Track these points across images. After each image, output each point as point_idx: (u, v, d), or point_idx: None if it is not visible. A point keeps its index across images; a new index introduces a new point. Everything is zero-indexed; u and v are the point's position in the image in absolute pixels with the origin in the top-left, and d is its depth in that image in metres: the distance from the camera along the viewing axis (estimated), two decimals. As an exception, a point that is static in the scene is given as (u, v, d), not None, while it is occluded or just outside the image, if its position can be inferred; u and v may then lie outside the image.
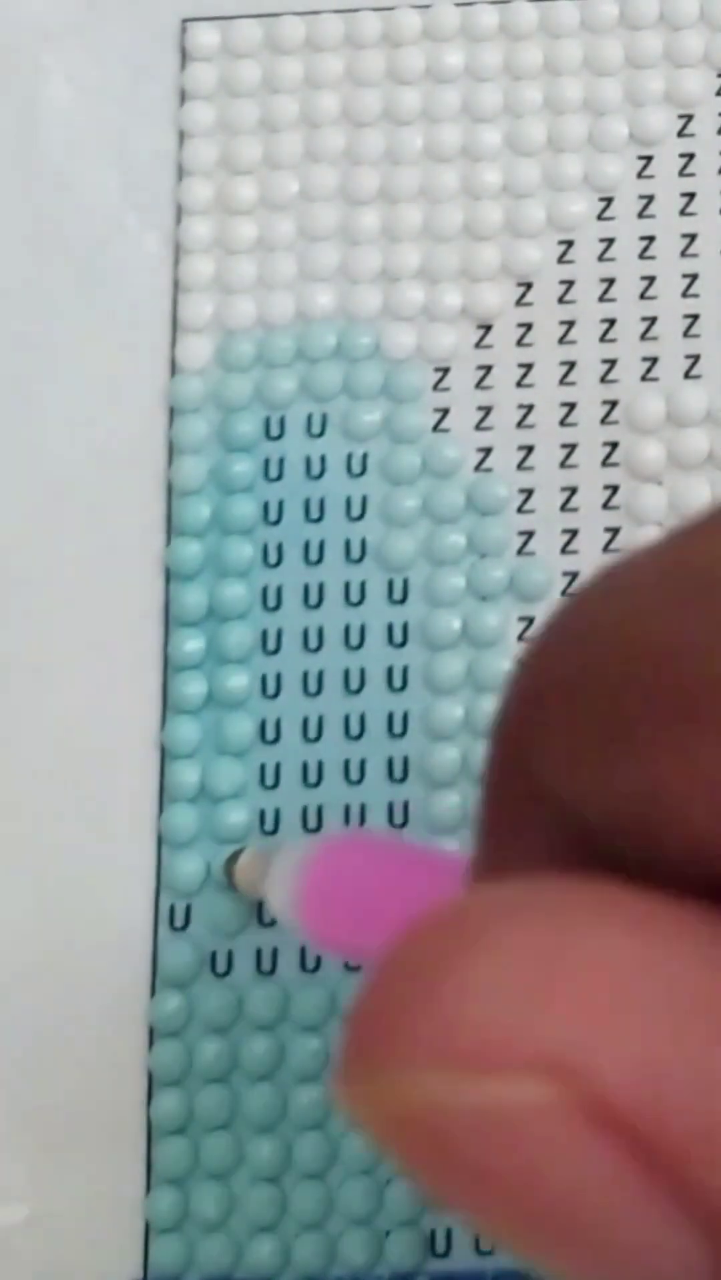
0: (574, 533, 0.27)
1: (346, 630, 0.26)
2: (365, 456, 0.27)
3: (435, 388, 0.28)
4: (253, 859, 0.24)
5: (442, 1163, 0.09)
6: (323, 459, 0.27)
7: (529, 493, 0.27)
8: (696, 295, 0.28)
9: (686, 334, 0.27)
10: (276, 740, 0.26)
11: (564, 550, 0.27)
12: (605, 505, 0.27)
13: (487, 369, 0.28)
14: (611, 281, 0.28)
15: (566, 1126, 0.09)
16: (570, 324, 0.28)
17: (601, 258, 0.28)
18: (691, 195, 0.28)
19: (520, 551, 0.27)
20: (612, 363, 0.27)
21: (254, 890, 0.24)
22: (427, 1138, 0.09)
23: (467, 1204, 0.09)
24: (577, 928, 0.09)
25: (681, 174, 0.28)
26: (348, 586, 0.27)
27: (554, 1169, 0.09)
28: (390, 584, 0.27)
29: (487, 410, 0.27)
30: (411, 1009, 0.09)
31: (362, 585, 0.27)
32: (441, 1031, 0.09)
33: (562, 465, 0.27)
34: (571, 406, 0.27)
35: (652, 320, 0.28)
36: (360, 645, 0.26)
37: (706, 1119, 0.09)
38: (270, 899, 0.19)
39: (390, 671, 0.26)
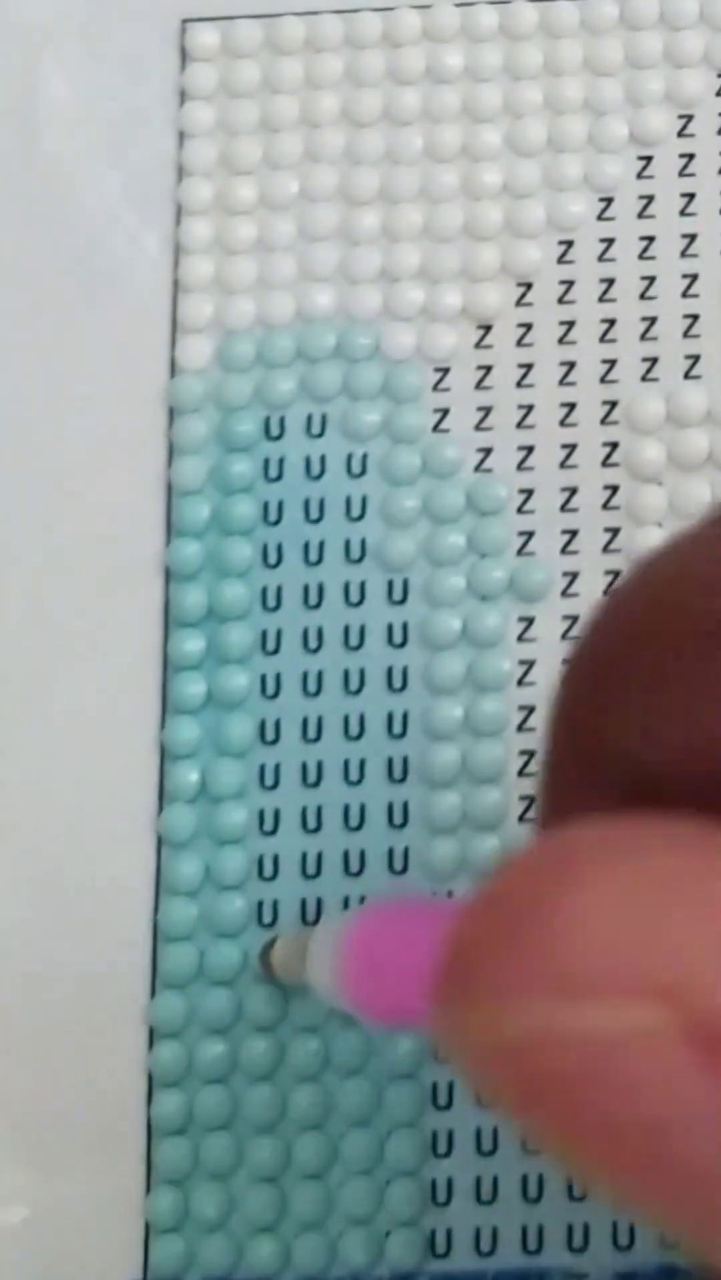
0: (574, 533, 0.27)
1: (346, 631, 0.26)
2: (365, 457, 0.27)
3: (435, 388, 0.28)
4: (288, 944, 0.24)
5: (539, 1093, 0.09)
6: (322, 459, 0.27)
7: (529, 493, 0.27)
8: (696, 295, 0.28)
9: (686, 334, 0.27)
10: (276, 740, 0.26)
11: (564, 550, 0.27)
12: (605, 505, 0.27)
13: (487, 369, 0.28)
14: (611, 281, 0.28)
15: (673, 1052, 0.09)
16: (570, 324, 0.28)
17: (601, 258, 0.28)
18: (691, 195, 0.28)
19: (520, 551, 0.27)
20: (612, 363, 0.27)
21: (295, 976, 0.23)
22: (528, 1067, 0.09)
23: (559, 1135, 0.09)
24: (675, 860, 0.09)
25: (681, 174, 0.28)
26: (347, 587, 0.27)
27: (656, 1095, 0.09)
28: (390, 584, 0.27)
29: (487, 410, 0.27)
30: (518, 939, 0.09)
31: (362, 585, 0.27)
32: (550, 959, 0.09)
33: (562, 465, 0.27)
34: (571, 406, 0.27)
35: (652, 320, 0.28)
36: (360, 646, 0.26)
37: None
38: (314, 981, 0.18)
39: (390, 672, 0.26)
